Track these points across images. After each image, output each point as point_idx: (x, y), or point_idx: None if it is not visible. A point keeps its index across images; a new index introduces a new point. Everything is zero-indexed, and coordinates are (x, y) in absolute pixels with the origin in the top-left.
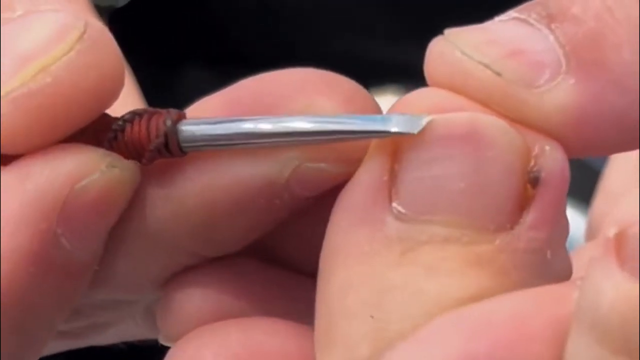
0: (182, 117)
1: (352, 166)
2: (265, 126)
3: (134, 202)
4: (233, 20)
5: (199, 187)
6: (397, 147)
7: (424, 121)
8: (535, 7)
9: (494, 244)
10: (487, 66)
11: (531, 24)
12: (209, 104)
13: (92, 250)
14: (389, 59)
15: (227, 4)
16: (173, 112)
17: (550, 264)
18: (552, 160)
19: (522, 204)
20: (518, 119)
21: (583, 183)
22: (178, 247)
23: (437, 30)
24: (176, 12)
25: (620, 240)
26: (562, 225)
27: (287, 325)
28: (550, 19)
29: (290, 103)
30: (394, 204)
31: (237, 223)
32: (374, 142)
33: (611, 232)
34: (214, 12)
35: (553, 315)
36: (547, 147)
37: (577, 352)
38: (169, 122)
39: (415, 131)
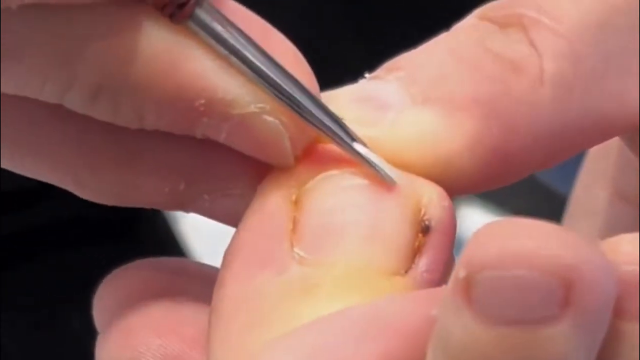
0: None
1: (286, 158)
2: (284, 76)
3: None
4: None
5: (162, 54)
6: (297, 195)
7: (396, 177)
8: (387, 64)
9: (391, 283)
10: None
11: (380, 77)
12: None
13: None
14: None
15: None
16: None
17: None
18: (440, 208)
19: (415, 250)
20: (382, 156)
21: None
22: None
23: None
24: None
25: (469, 282)
26: (451, 267)
27: None
28: (396, 69)
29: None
30: (296, 249)
31: (149, 107)
32: (268, 185)
33: (461, 273)
34: None
35: (416, 313)
36: (434, 197)
37: None
38: None
39: (394, 182)
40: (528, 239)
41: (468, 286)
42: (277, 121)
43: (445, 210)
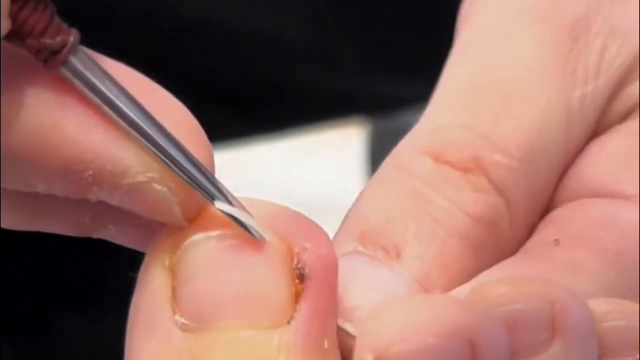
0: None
1: (177, 221)
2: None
3: None
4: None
5: (47, 130)
6: (170, 262)
7: (268, 232)
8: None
9: (274, 342)
10: None
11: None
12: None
13: None
14: (353, 91)
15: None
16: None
17: (328, 354)
18: (314, 256)
19: (294, 300)
20: None
21: None
22: None
23: (404, 62)
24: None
25: None
26: (336, 314)
27: None
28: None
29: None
30: (177, 317)
31: (37, 171)
32: (150, 251)
33: (368, 358)
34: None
35: None
36: (307, 245)
37: None
38: (74, 38)
39: (263, 238)
40: (423, 309)
41: None
42: (164, 189)
43: (321, 258)
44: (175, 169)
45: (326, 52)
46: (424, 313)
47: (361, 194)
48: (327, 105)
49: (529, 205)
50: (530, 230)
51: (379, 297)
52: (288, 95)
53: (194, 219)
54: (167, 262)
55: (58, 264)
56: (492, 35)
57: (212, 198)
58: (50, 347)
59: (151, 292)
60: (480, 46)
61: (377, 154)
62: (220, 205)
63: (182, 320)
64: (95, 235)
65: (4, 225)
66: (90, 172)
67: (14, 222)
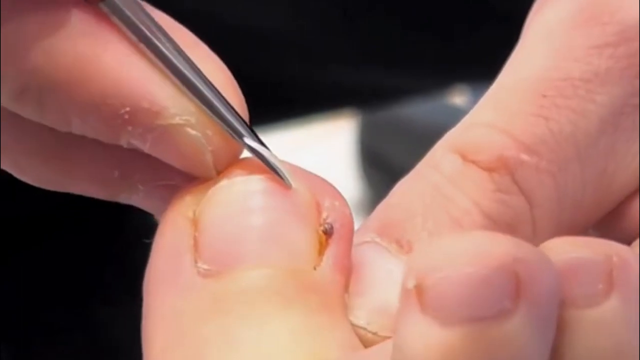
0: None
1: (208, 171)
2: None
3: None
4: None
5: (88, 59)
6: (194, 212)
7: (296, 181)
8: (376, 224)
9: (303, 283)
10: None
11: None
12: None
13: None
14: (343, 83)
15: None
16: None
17: (345, 307)
18: (341, 213)
19: (320, 250)
20: None
21: None
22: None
23: (394, 54)
24: None
25: (420, 289)
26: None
27: None
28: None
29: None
30: (199, 264)
31: (73, 106)
32: (172, 203)
33: (410, 283)
34: None
35: None
36: (336, 203)
37: None
38: None
39: (290, 184)
40: (471, 240)
41: (419, 293)
42: (199, 134)
43: (347, 216)
44: (211, 113)
45: (316, 46)
46: (471, 244)
47: (394, 187)
48: (318, 98)
49: (556, 211)
50: None
51: (383, 286)
52: (279, 89)
53: (223, 172)
54: (190, 214)
55: (57, 264)
56: (541, 38)
57: (246, 143)
58: (49, 347)
59: (172, 243)
60: (528, 49)
61: (367, 145)
62: (250, 142)
63: (204, 266)
64: (123, 199)
65: (38, 184)
66: (127, 109)
67: (46, 178)
